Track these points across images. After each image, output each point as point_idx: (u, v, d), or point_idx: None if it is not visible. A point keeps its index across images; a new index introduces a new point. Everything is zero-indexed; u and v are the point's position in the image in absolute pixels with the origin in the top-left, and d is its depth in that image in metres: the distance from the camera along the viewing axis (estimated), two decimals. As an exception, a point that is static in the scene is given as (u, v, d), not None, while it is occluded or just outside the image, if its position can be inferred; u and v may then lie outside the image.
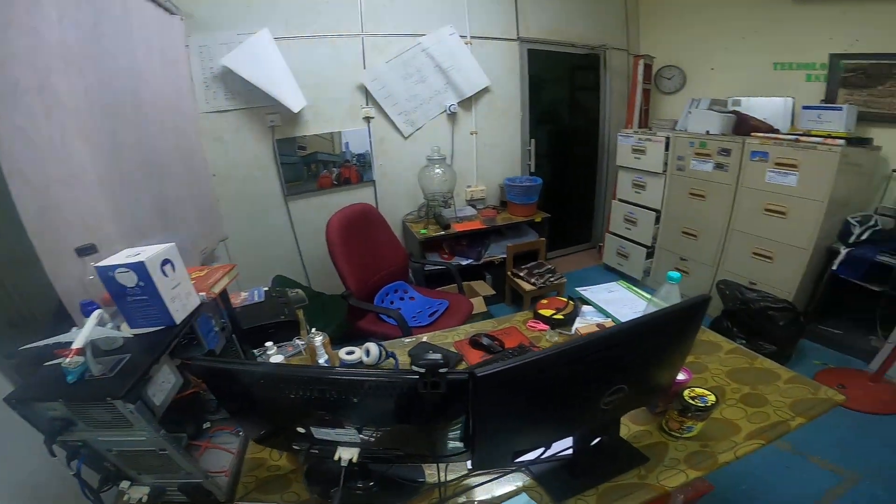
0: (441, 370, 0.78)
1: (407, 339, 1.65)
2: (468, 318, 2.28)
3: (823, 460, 2.03)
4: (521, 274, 3.22)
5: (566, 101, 4.11)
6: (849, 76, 2.88)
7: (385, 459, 0.99)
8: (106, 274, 0.84)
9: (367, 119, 3.06)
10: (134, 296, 0.87)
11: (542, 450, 1.02)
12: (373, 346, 1.37)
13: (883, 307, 2.51)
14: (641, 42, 4.09)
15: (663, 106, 4.02)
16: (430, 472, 1.05)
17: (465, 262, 3.23)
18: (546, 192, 3.48)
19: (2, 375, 1.00)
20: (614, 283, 1.92)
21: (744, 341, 2.60)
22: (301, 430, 0.91)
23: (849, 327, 2.80)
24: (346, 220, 2.23)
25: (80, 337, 0.77)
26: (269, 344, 1.32)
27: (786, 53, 3.15)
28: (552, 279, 3.16)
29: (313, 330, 1.39)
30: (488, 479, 1.04)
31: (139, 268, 0.84)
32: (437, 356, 0.79)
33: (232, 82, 2.55)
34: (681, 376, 1.15)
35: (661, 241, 3.49)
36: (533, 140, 3.76)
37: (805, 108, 2.85)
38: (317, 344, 1.34)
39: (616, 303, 1.73)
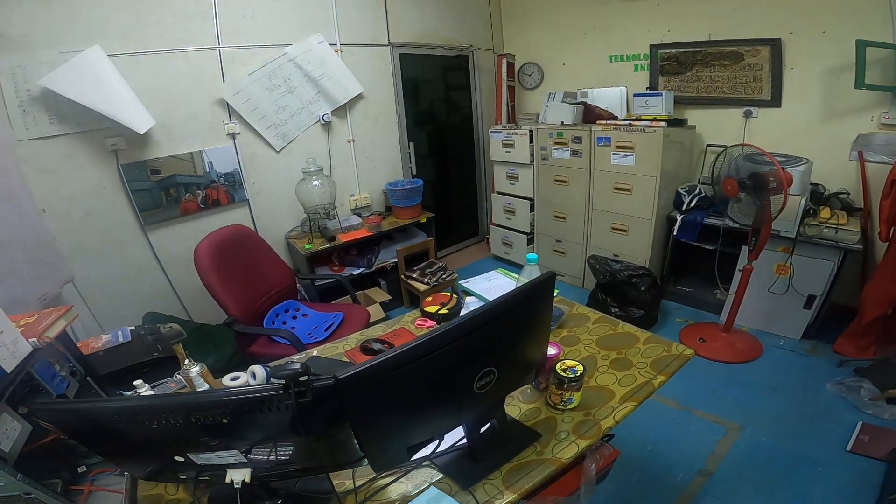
0: (301, 378, 0.77)
1: (297, 356, 1.60)
2: (366, 325, 2.27)
3: (707, 413, 2.26)
4: (414, 275, 3.27)
5: (441, 102, 4.24)
6: (665, 64, 3.35)
7: (282, 475, 0.96)
8: None
9: (233, 135, 2.88)
10: None
11: (436, 442, 1.04)
12: (258, 369, 1.33)
13: (719, 263, 2.97)
14: (505, 42, 4.36)
15: (527, 101, 4.34)
16: (339, 482, 1.04)
17: (357, 272, 3.21)
18: (431, 192, 3.59)
19: None
20: (493, 271, 2.04)
21: (617, 309, 2.92)
22: (179, 458, 0.87)
23: (697, 284, 3.27)
24: (216, 245, 2.10)
25: None
26: (138, 382, 1.23)
27: (618, 46, 3.57)
28: (444, 276, 3.26)
29: (187, 361, 1.32)
30: (395, 478, 1.05)
31: None
32: (296, 366, 0.79)
33: (57, 105, 2.23)
34: (551, 351, 1.23)
35: (538, 227, 3.77)
36: (412, 143, 3.84)
37: (635, 95, 3.26)
38: (192, 375, 1.28)
39: (496, 290, 1.82)
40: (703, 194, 3.00)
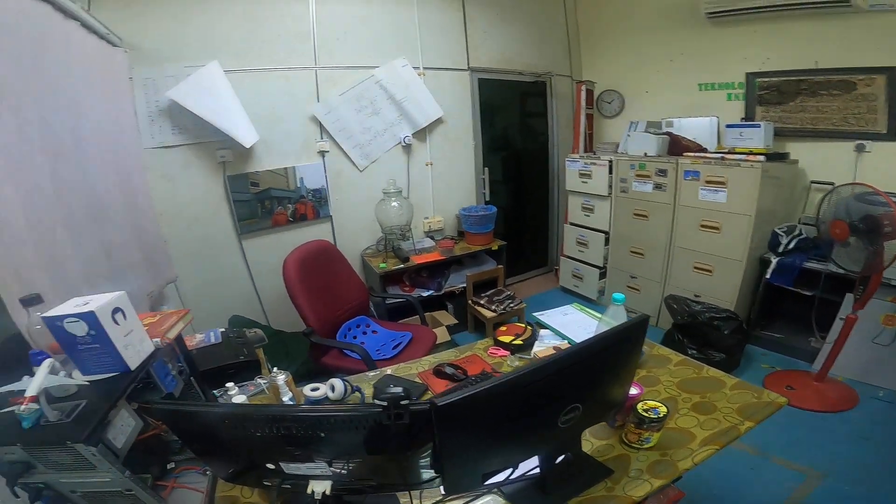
0: (403, 402, 0.81)
1: (371, 373, 1.64)
2: (432, 348, 2.28)
3: (786, 460, 2.10)
4: (482, 302, 3.25)
5: (517, 128, 4.26)
6: (763, 94, 3.16)
7: (359, 490, 0.99)
8: (54, 324, 0.83)
9: (322, 153, 3.06)
10: (85, 344, 0.86)
11: (510, 470, 1.04)
12: (337, 382, 1.38)
13: (817, 310, 2.73)
14: (584, 68, 4.33)
15: (606, 129, 4.26)
16: (405, 501, 1.05)
17: (426, 294, 3.24)
18: (503, 219, 3.59)
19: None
20: (569, 305, 2.00)
21: (695, 351, 2.74)
22: (271, 466, 0.91)
23: (789, 331, 3.00)
24: (303, 258, 2.22)
25: (32, 385, 0.77)
26: (230, 384, 1.31)
27: (708, 74, 3.43)
28: (512, 305, 3.21)
29: (275, 369, 1.37)
30: (462, 501, 1.05)
31: (90, 317, 0.83)
32: (399, 389, 0.84)
33: (179, 116, 2.49)
34: (633, 391, 1.22)
35: (612, 262, 3.63)
36: (486, 168, 3.87)
37: (728, 126, 3.06)
38: (280, 383, 1.33)
39: (571, 325, 1.80)
40: (804, 235, 2.78)
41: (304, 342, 2.20)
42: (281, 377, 1.33)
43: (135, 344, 0.94)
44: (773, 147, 2.93)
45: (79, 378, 0.90)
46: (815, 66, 2.90)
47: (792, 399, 2.42)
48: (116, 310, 0.88)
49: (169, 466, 1.11)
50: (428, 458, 0.94)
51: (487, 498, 1.07)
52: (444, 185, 3.65)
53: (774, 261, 2.77)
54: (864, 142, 2.80)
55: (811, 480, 1.99)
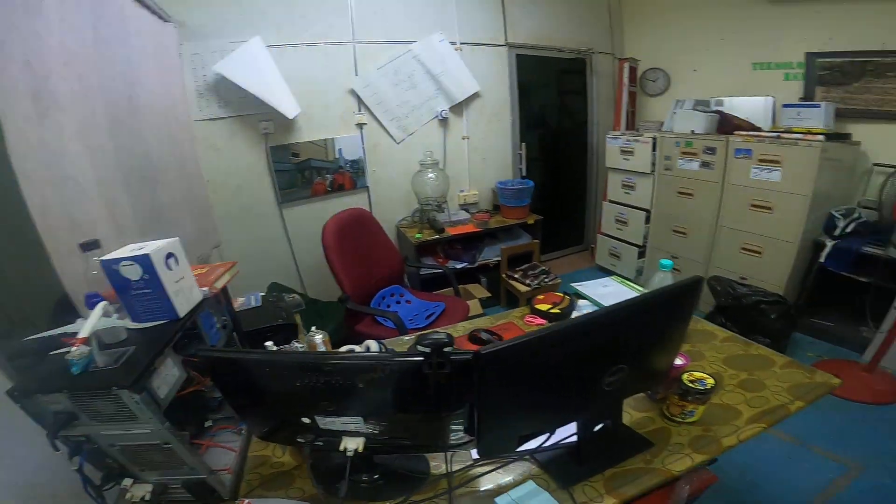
0: (446, 349, 0.79)
1: (406, 338, 1.66)
2: (465, 319, 2.29)
3: (826, 450, 2.04)
4: (516, 276, 3.24)
5: (555, 105, 4.18)
6: (825, 74, 2.96)
7: (390, 449, 0.99)
8: (110, 267, 0.85)
9: (360, 125, 3.09)
10: (138, 289, 0.88)
11: (546, 436, 1.02)
12: (373, 344, 1.39)
13: (872, 297, 2.57)
14: (626, 45, 4.16)
15: (649, 107, 4.09)
16: (435, 464, 1.06)
17: (459, 266, 3.26)
18: (538, 196, 3.53)
19: (2, 374, 1.00)
20: (608, 277, 1.95)
21: (738, 335, 2.64)
22: (307, 420, 0.91)
23: (840, 319, 2.85)
24: (341, 224, 2.25)
25: (86, 326, 0.78)
26: (268, 343, 1.32)
27: (764, 53, 3.23)
28: (547, 280, 3.19)
29: (313, 328, 1.39)
30: (494, 467, 1.04)
31: (144, 260, 0.85)
32: (442, 335, 0.82)
33: (225, 90, 2.57)
34: (679, 361, 1.17)
35: (652, 241, 3.53)
36: (523, 144, 3.81)
37: (785, 106, 2.92)
38: (317, 341, 1.35)
39: (611, 297, 1.75)
40: (863, 219, 2.61)
41: (339, 311, 2.24)
42: (318, 336, 1.35)
43: (185, 291, 0.95)
44: (834, 128, 2.75)
45: (130, 325, 0.90)
46: (883, 47, 2.68)
47: (838, 388, 2.33)
48: (170, 255, 0.91)
49: (206, 425, 1.12)
50: (461, 423, 0.92)
51: (520, 464, 1.05)
52: (480, 159, 3.62)
53: (830, 244, 2.61)
54: (934, 123, 2.57)
55: (851, 472, 1.92)
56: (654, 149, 3.32)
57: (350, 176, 3.13)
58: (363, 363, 0.86)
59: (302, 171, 2.94)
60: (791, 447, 2.06)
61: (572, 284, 1.88)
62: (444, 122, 3.36)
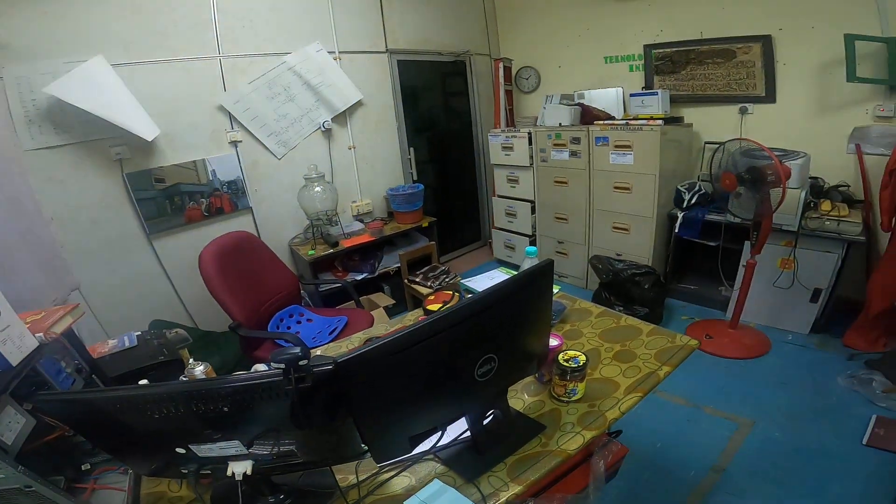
0: (301, 363, 0.77)
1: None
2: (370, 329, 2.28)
3: (717, 410, 2.22)
4: (418, 279, 3.28)
5: (440, 107, 4.28)
6: (659, 64, 3.38)
7: (286, 468, 0.96)
8: None
9: (235, 143, 2.92)
10: None
11: (439, 434, 1.03)
12: (261, 366, 1.33)
13: (722, 259, 2.96)
14: (501, 46, 4.40)
15: (525, 104, 4.38)
16: (342, 476, 1.03)
17: (360, 277, 3.22)
18: (433, 197, 3.61)
19: None
20: (495, 270, 2.05)
21: (621, 308, 2.91)
22: (181, 450, 0.87)
23: (702, 282, 3.26)
24: (222, 250, 2.13)
25: None
26: (143, 382, 1.22)
27: (613, 47, 3.61)
28: (447, 280, 3.27)
29: (191, 361, 1.32)
30: (398, 471, 1.04)
31: None
32: (297, 350, 0.79)
33: (62, 114, 2.27)
34: (553, 342, 1.23)
35: (540, 229, 3.77)
36: (412, 148, 3.87)
37: (632, 95, 3.28)
38: (197, 373, 1.28)
39: (497, 287, 1.85)
40: (703, 191, 3.01)
41: (236, 339, 2.13)
42: (199, 368, 1.28)
43: (13, 339, 0.94)
44: (670, 112, 3.16)
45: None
46: (701, 36, 3.13)
47: (711, 347, 2.63)
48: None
49: (84, 468, 1.08)
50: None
51: (424, 465, 1.05)
52: (369, 168, 3.61)
53: (680, 215, 3.00)
54: (746, 104, 3.07)
55: (743, 428, 2.10)
56: (530, 143, 3.55)
57: (228, 198, 2.93)
58: (216, 388, 0.81)
59: (171, 197, 2.69)
60: (688, 410, 2.23)
61: (462, 282, 1.95)
62: (327, 133, 3.30)
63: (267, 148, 3.05)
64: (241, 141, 2.93)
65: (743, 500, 1.76)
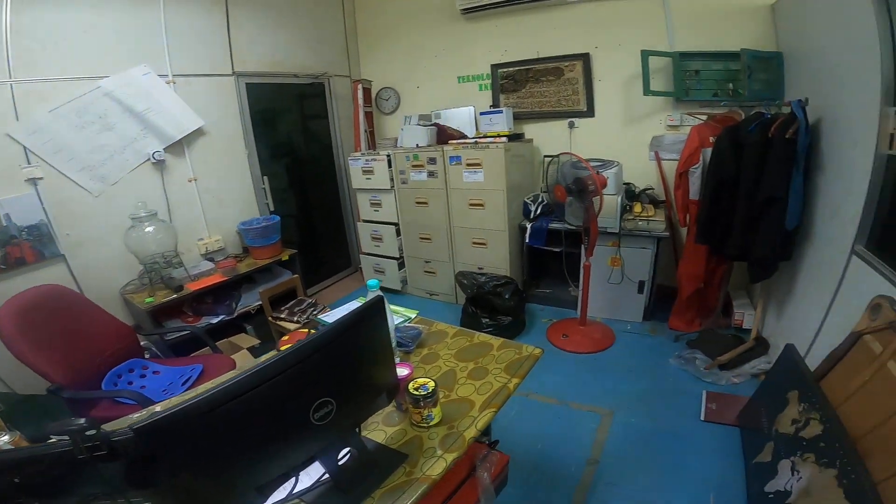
0: (88, 433, 0.74)
1: (136, 415, 1.43)
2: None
3: (581, 404, 2.35)
4: (283, 315, 3.05)
5: (298, 132, 4.10)
6: (504, 83, 3.66)
7: None
8: None
9: (34, 181, 2.46)
10: None
11: (293, 480, 0.98)
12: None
13: (567, 263, 3.26)
14: (361, 67, 4.37)
15: (387, 126, 4.41)
16: None
17: (216, 320, 2.93)
18: (295, 227, 3.41)
19: None
20: (355, 301, 1.99)
21: (487, 319, 3.04)
22: None
23: (554, 285, 3.56)
24: (23, 308, 1.85)
25: None
26: None
27: (464, 67, 3.81)
28: (315, 312, 3.10)
29: None
30: None
31: None
32: (81, 420, 0.75)
33: None
34: (403, 371, 1.23)
35: (407, 251, 3.80)
36: (265, 177, 3.64)
37: (481, 113, 3.49)
38: (1, 444, 1.23)
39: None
40: (546, 202, 3.30)
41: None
42: (4, 438, 1.27)
43: None
44: (514, 129, 3.42)
45: None
46: (537, 55, 3.46)
47: (568, 345, 2.85)
48: None
49: None
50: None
51: None
52: (216, 201, 3.31)
53: (529, 226, 3.25)
54: (573, 119, 3.46)
55: (605, 419, 2.23)
56: (389, 165, 3.56)
57: (30, 245, 2.45)
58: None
59: (-55, 252, 2.18)
60: (558, 408, 2.33)
61: (319, 317, 1.86)
62: (159, 164, 2.95)
63: (78, 184, 2.62)
64: (41, 178, 2.48)
65: (621, 489, 1.86)
